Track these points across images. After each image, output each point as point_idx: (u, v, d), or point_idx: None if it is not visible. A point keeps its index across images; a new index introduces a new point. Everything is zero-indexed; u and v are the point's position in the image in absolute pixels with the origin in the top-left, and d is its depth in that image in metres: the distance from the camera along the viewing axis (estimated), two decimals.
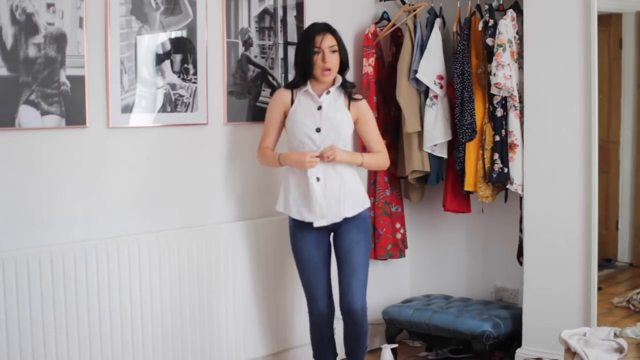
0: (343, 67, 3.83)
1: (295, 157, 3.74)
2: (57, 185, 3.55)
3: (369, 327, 3.97)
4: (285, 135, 3.92)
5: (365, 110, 3.89)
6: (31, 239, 3.45)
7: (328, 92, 3.79)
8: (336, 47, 3.76)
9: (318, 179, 3.75)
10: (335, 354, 4.05)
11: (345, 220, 3.82)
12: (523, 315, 4.36)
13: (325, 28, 3.78)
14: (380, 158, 3.91)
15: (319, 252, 3.87)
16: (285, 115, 3.85)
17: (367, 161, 3.86)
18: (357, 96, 3.88)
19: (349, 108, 3.83)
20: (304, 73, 3.79)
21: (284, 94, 3.86)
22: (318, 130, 3.75)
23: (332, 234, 3.89)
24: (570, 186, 4.16)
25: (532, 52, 4.24)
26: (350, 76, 4.25)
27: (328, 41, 3.74)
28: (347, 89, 3.84)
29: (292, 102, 3.83)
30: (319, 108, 3.78)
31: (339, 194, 3.77)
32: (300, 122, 3.78)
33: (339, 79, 3.82)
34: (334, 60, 3.75)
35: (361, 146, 4.44)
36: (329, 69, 3.74)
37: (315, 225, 3.79)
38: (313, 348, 4.02)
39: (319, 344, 3.99)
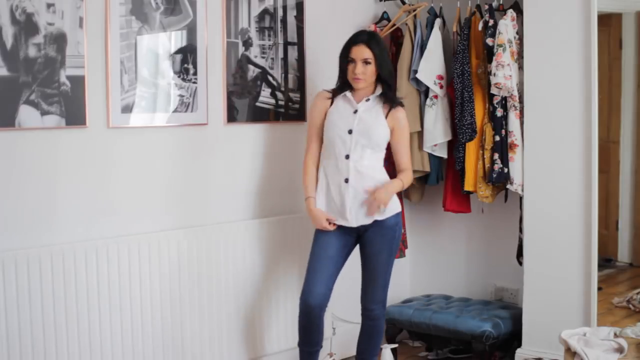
0: (384, 80, 3.82)
1: (314, 216, 3.84)
2: (57, 185, 3.55)
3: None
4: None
5: (402, 122, 3.87)
6: (31, 239, 3.45)
7: (367, 100, 3.83)
8: (370, 60, 3.76)
9: (347, 180, 3.78)
10: (319, 346, 3.98)
11: (372, 225, 3.83)
12: (523, 315, 4.36)
13: (364, 40, 3.78)
14: (405, 179, 3.91)
15: (337, 245, 3.85)
16: (325, 115, 3.91)
17: (405, 182, 3.89)
18: (399, 101, 3.88)
19: (386, 117, 3.83)
20: (342, 80, 3.85)
21: (324, 94, 3.94)
22: (350, 131, 3.78)
23: (358, 236, 3.89)
24: (570, 186, 4.16)
25: (532, 52, 4.24)
26: None
27: (362, 53, 3.75)
28: (388, 99, 3.84)
29: (332, 103, 3.89)
30: (355, 112, 3.81)
31: (366, 197, 3.78)
32: (335, 123, 3.82)
33: (379, 89, 3.84)
34: (365, 72, 3.77)
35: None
36: (359, 78, 3.77)
37: (347, 225, 3.82)
38: (299, 334, 3.95)
39: (304, 331, 3.93)
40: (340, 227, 3.85)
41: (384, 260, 3.88)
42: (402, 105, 3.91)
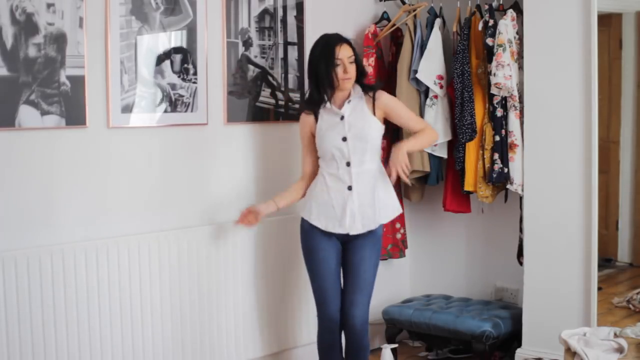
0: (360, 75, 3.79)
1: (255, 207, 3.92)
2: (57, 185, 3.55)
3: (369, 330, 3.91)
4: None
5: (388, 101, 3.80)
6: (31, 239, 3.46)
7: (349, 102, 3.76)
8: (353, 58, 3.72)
9: (350, 188, 3.73)
10: None
11: (360, 233, 3.78)
12: (523, 315, 4.36)
13: (341, 39, 3.73)
14: (425, 136, 3.80)
15: (333, 255, 3.80)
16: (314, 136, 3.83)
17: (411, 146, 3.76)
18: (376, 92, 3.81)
19: (374, 111, 3.77)
20: (324, 87, 3.72)
21: (307, 117, 3.84)
22: (344, 139, 3.72)
23: (343, 242, 3.83)
24: (570, 186, 4.16)
25: (532, 52, 4.24)
26: None
27: (347, 52, 3.70)
28: (366, 89, 3.79)
29: (317, 120, 3.80)
30: (342, 118, 3.74)
31: (373, 201, 3.76)
32: (327, 135, 3.74)
33: (357, 88, 3.78)
34: (353, 71, 3.72)
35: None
36: (350, 78, 3.72)
37: (352, 232, 3.75)
38: (319, 354, 3.93)
39: (326, 351, 3.90)
40: (331, 235, 3.79)
41: (372, 268, 3.79)
42: (379, 87, 3.87)
